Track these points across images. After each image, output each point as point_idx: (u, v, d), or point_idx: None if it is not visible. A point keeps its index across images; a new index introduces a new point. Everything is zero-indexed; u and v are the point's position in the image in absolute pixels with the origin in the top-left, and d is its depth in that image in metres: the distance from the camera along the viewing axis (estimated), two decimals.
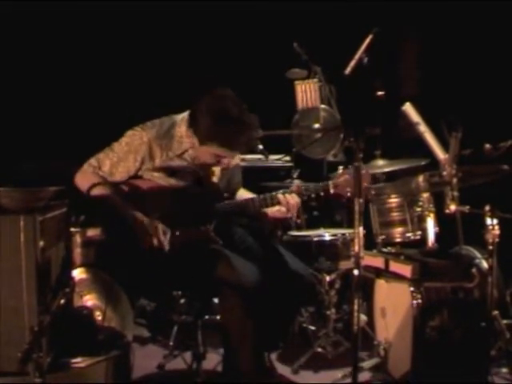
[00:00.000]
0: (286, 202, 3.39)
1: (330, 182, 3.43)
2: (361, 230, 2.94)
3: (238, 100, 3.32)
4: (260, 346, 3.57)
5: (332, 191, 3.42)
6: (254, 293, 3.26)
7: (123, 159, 3.39)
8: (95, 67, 5.27)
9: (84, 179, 3.39)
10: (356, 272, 2.93)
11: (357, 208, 2.94)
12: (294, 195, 3.41)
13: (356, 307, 2.91)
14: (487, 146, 3.52)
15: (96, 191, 3.29)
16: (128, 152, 3.39)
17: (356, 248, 2.94)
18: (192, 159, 3.46)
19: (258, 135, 3.42)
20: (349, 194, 3.39)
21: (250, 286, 3.26)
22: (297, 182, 3.51)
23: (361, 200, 2.95)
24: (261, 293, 3.30)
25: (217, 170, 3.59)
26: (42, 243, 3.02)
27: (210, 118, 3.28)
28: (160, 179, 3.45)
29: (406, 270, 3.53)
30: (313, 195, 3.44)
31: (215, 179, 3.58)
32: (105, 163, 3.41)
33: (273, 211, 3.49)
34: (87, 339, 3.23)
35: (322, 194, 3.43)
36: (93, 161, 3.43)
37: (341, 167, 3.45)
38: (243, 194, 3.67)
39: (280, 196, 3.40)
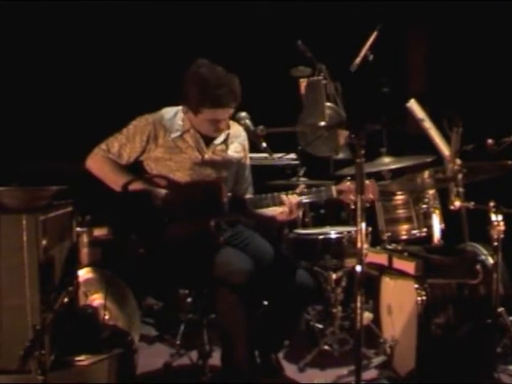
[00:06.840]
0: (289, 202, 3.42)
1: (333, 187, 3.46)
2: (363, 226, 2.92)
3: (209, 64, 3.45)
4: (265, 346, 3.62)
5: (335, 195, 3.45)
6: (248, 283, 3.27)
7: (131, 140, 3.57)
8: (96, 67, 5.29)
9: (95, 162, 3.60)
10: (359, 268, 2.91)
11: (359, 205, 2.93)
12: (295, 195, 3.44)
13: (359, 304, 2.89)
14: (490, 141, 3.51)
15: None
16: (135, 133, 3.56)
17: (359, 244, 2.93)
18: (193, 140, 3.56)
19: (233, 87, 3.44)
20: (352, 203, 3.45)
21: (243, 277, 3.27)
22: (302, 185, 3.52)
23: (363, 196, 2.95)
24: (257, 285, 3.31)
25: (225, 172, 3.62)
26: (44, 242, 3.05)
27: (189, 85, 3.44)
28: (160, 165, 3.54)
29: (409, 266, 3.51)
30: (315, 198, 3.47)
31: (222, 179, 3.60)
32: (113, 145, 3.58)
33: (276, 213, 3.50)
34: (90, 337, 3.24)
35: (324, 198, 3.47)
36: (102, 144, 3.61)
37: (349, 178, 3.47)
38: None
39: (283, 196, 3.43)
